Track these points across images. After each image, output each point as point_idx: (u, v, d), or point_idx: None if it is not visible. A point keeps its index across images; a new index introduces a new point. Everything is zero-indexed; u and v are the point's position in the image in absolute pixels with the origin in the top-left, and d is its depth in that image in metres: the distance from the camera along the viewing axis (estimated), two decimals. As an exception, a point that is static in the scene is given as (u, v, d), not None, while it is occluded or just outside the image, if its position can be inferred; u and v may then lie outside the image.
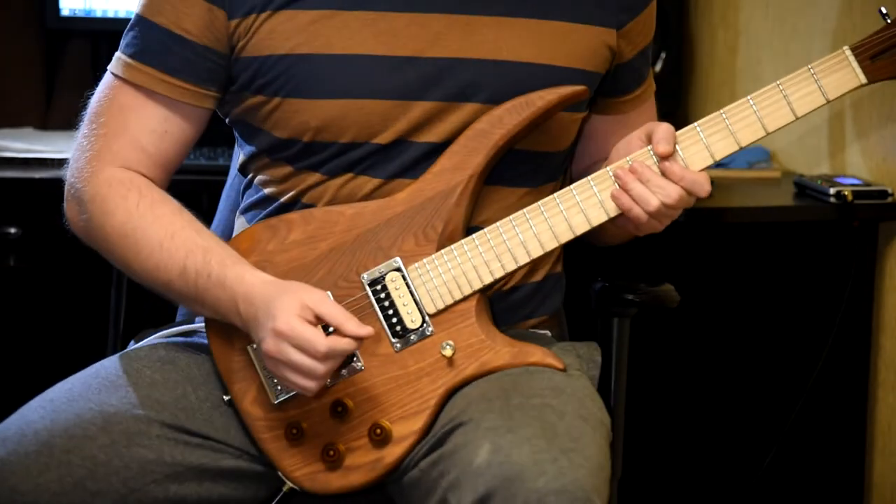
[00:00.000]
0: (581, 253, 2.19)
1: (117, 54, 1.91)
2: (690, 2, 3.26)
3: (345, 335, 1.73)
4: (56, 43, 3.05)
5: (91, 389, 1.84)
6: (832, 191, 2.73)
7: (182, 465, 1.82)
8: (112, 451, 1.78)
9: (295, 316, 1.73)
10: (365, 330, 1.74)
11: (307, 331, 1.72)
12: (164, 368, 1.89)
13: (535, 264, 1.94)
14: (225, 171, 2.21)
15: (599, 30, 1.91)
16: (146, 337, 2.01)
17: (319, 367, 1.73)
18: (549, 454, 1.64)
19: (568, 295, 2.18)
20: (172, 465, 1.81)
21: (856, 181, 2.77)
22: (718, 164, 2.97)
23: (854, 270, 2.77)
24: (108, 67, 1.92)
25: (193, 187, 2.75)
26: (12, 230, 2.71)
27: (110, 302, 2.20)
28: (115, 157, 1.88)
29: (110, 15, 2.95)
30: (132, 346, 2.00)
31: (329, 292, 1.81)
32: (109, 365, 1.90)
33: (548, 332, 1.99)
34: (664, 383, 3.11)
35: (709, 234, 3.05)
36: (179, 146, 1.91)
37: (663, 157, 1.82)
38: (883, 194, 2.73)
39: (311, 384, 1.75)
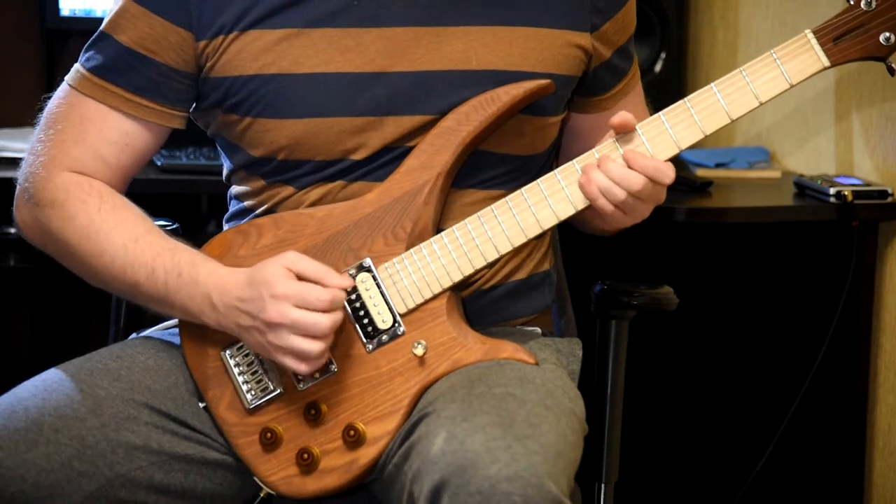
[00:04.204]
0: (581, 254, 2.20)
1: (77, 67, 1.90)
2: (690, 2, 3.26)
3: (327, 287, 1.75)
4: (56, 43, 3.05)
5: (84, 372, 1.84)
6: (832, 191, 2.72)
7: (168, 454, 1.83)
8: (101, 433, 1.79)
9: (287, 278, 1.75)
10: (347, 281, 1.78)
11: (305, 286, 1.75)
12: (159, 356, 1.90)
13: (517, 263, 1.95)
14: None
15: (570, 34, 1.90)
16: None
17: (324, 321, 1.74)
18: (504, 441, 1.63)
19: (570, 296, 2.18)
20: (159, 452, 1.82)
21: (856, 181, 2.77)
22: (718, 165, 3.00)
23: (854, 270, 2.77)
24: (66, 79, 1.91)
25: (193, 187, 2.75)
26: (12, 230, 2.70)
27: (110, 302, 2.20)
28: (72, 163, 1.87)
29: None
30: (132, 338, 2.01)
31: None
32: (105, 351, 1.91)
33: (537, 329, 1.99)
34: (664, 384, 3.11)
35: (709, 235, 3.05)
36: (139, 158, 1.91)
37: (619, 131, 1.81)
38: (883, 194, 2.73)
39: (315, 346, 1.75)
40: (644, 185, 1.79)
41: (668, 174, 1.80)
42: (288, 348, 1.76)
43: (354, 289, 1.83)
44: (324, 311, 1.75)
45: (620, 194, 1.79)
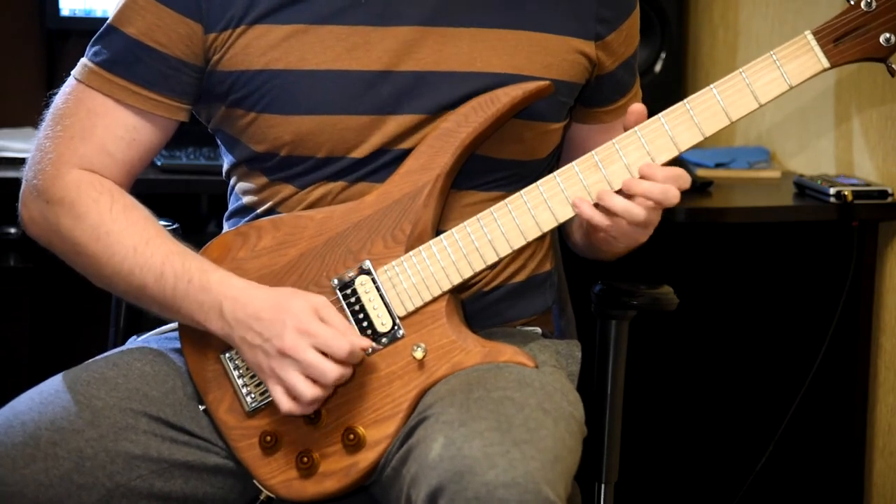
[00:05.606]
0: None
1: (83, 61, 1.89)
2: (690, 2, 3.26)
3: None
4: (56, 43, 3.06)
5: (80, 382, 1.83)
6: (832, 191, 2.73)
7: (168, 462, 1.82)
8: (99, 445, 1.78)
9: (314, 318, 1.74)
10: (365, 342, 1.77)
11: (330, 332, 1.74)
12: (156, 361, 1.89)
13: (519, 265, 1.95)
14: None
15: (576, 41, 1.90)
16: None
17: (332, 372, 1.74)
18: (502, 447, 1.63)
19: (570, 296, 2.18)
20: (158, 461, 1.81)
21: (856, 181, 2.77)
22: (718, 165, 3.01)
23: (854, 270, 2.77)
24: (73, 73, 1.90)
25: (193, 187, 2.75)
26: (12, 230, 2.71)
27: (110, 302, 2.20)
28: (80, 160, 1.86)
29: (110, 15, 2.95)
30: (131, 341, 2.00)
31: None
32: (102, 359, 1.90)
33: (537, 329, 1.99)
34: (664, 384, 3.11)
35: (709, 235, 3.05)
36: (146, 153, 1.90)
37: (630, 124, 1.81)
38: (883, 194, 2.73)
39: (312, 392, 1.75)
40: (654, 191, 1.79)
41: (685, 177, 1.80)
42: (286, 381, 1.76)
43: (354, 291, 1.83)
44: (339, 361, 1.74)
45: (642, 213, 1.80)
